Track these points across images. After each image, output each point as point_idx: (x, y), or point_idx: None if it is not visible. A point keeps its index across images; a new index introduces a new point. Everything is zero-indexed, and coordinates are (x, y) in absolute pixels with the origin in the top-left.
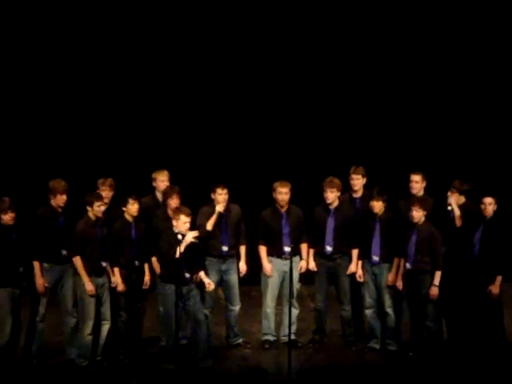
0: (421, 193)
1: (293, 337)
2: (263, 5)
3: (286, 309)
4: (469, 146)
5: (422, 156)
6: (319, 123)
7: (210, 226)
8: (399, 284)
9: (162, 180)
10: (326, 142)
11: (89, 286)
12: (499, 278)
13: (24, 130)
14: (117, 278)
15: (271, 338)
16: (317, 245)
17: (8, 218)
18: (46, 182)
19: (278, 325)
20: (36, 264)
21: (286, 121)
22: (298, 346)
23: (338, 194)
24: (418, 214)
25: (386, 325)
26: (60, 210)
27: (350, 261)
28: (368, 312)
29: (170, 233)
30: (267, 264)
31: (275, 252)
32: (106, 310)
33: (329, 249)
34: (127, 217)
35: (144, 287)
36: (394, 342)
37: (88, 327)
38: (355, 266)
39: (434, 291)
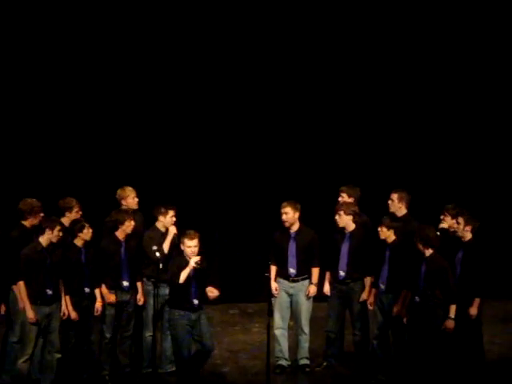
0: (402, 212)
1: (305, 361)
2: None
3: (297, 332)
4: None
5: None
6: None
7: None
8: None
9: (130, 197)
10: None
11: (30, 314)
12: (477, 301)
13: None
14: (68, 307)
15: (284, 363)
16: (331, 269)
17: None
18: (10, 203)
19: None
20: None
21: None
22: (305, 371)
23: (352, 217)
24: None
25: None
26: (32, 228)
27: (363, 286)
28: (374, 342)
29: (179, 257)
30: (273, 284)
31: (282, 273)
32: (55, 339)
33: (342, 274)
34: (77, 242)
35: (96, 314)
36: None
37: (25, 354)
38: (367, 294)
39: (450, 324)
